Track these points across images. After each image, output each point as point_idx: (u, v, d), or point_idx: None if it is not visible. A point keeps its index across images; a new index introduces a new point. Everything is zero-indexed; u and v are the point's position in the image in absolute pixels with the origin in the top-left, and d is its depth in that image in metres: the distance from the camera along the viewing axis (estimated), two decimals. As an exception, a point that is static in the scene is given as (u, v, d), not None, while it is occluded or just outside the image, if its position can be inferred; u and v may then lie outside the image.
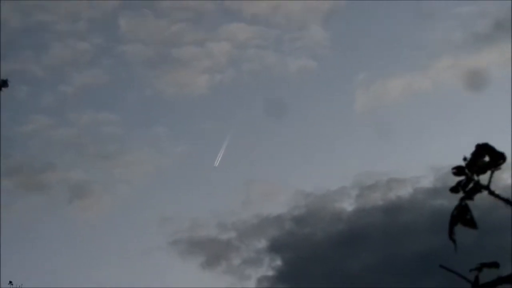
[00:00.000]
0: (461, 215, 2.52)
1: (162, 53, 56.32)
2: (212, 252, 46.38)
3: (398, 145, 57.16)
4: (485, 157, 2.52)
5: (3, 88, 3.44)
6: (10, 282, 23.81)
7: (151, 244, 55.17)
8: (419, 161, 60.30)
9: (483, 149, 2.52)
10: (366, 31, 57.07)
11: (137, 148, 56.72)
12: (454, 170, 2.54)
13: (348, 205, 56.06)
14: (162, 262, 52.22)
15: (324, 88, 58.26)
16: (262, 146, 58.20)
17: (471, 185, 2.52)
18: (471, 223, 2.52)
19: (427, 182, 56.55)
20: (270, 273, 40.27)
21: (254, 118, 58.52)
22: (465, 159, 2.52)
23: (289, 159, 58.06)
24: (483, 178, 2.53)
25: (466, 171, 2.53)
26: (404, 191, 45.69)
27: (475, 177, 2.52)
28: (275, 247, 41.96)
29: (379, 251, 38.26)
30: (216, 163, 44.38)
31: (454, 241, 2.53)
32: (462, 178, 2.53)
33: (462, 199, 2.52)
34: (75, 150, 57.38)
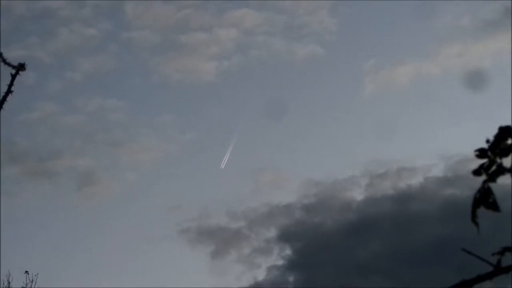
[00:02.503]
0: (484, 198, 2.52)
1: (169, 39, 56.19)
2: (221, 241, 46.46)
3: (408, 133, 56.99)
4: (508, 140, 2.51)
5: (20, 72, 3.46)
6: (26, 271, 23.99)
7: (159, 232, 55.38)
8: (430, 150, 60.13)
9: (506, 131, 2.51)
10: (374, 17, 56.88)
11: (144, 136, 56.71)
12: (477, 153, 2.53)
13: (358, 194, 56.15)
14: (171, 251, 52.36)
15: (332, 75, 58.17)
16: (271, 133, 58.19)
17: (493, 167, 2.52)
18: (493, 206, 2.52)
19: (437, 171, 56.66)
20: (280, 262, 40.37)
21: (262, 106, 58.47)
22: (487, 141, 2.52)
23: (298, 147, 58.04)
24: (506, 161, 2.52)
25: (489, 153, 2.52)
26: (415, 180, 45.74)
27: (498, 160, 2.52)
28: (284, 236, 42.06)
29: (389, 241, 38.28)
30: (223, 165, 44.36)
31: (476, 224, 2.52)
32: (484, 160, 2.53)
33: (484, 182, 2.52)
34: (82, 137, 57.39)
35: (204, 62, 55.04)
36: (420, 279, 32.17)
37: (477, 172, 2.54)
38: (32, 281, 23.68)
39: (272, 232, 48.57)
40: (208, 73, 53.46)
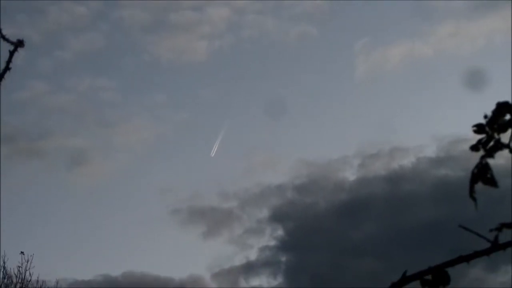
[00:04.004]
0: (482, 174, 2.55)
1: (160, 18, 56.14)
2: (213, 221, 46.68)
3: (400, 114, 57.25)
4: (505, 116, 2.54)
5: (19, 49, 3.44)
6: (22, 252, 24.00)
7: (151, 213, 55.48)
8: (422, 130, 60.31)
9: (503, 107, 2.54)
10: (367, -3, 56.68)
11: (136, 116, 56.76)
12: (475, 128, 2.56)
13: (350, 175, 56.32)
14: (162, 232, 52.62)
15: (325, 55, 58.09)
16: (263, 114, 58.21)
17: (491, 143, 2.55)
18: (491, 181, 2.55)
19: (430, 151, 56.67)
20: (272, 243, 40.55)
21: (254, 86, 58.42)
22: (485, 116, 2.54)
23: (290, 127, 58.15)
24: (504, 137, 2.55)
25: (487, 129, 2.55)
26: (407, 161, 45.89)
27: (496, 135, 2.55)
28: (276, 217, 42.21)
29: (382, 221, 38.46)
30: (213, 153, 44.37)
31: (474, 199, 2.56)
32: (482, 136, 2.56)
33: (482, 157, 2.55)
34: (73, 117, 57.39)
35: (195, 42, 54.92)
36: (413, 261, 32.31)
37: (474, 148, 2.57)
38: (28, 261, 23.81)
39: (264, 213, 48.86)
40: (199, 52, 53.38)
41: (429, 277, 2.49)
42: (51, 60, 54.03)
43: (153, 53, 55.29)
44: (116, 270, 51.93)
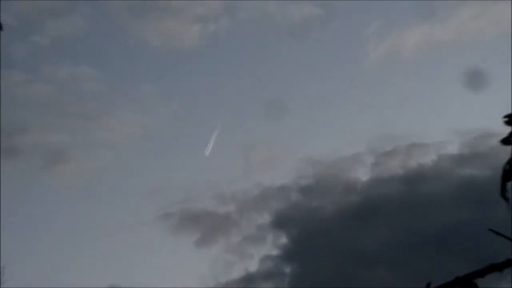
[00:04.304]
0: (514, 170, 2.52)
1: (147, 0, 55.99)
2: (208, 227, 46.62)
3: (418, 106, 57.28)
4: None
5: None
6: None
7: (138, 218, 55.41)
8: (443, 124, 60.17)
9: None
10: (380, -25, 56.65)
11: (121, 108, 56.74)
12: (506, 119, 2.54)
13: (362, 174, 56.44)
14: (151, 239, 52.49)
15: (332, 41, 58.06)
16: (263, 106, 58.15)
17: (524, 136, 2.52)
18: (525, 178, 2.52)
19: (452, 148, 56.80)
20: (275, 252, 40.56)
21: (253, 74, 58.38)
22: (518, 106, 2.52)
23: (294, 121, 58.08)
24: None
25: (519, 120, 2.52)
26: (427, 158, 45.86)
27: (529, 128, 2.52)
28: (279, 222, 42.21)
29: (398, 226, 38.45)
30: (207, 152, 44.39)
31: (507, 199, 2.53)
32: (514, 128, 2.53)
33: (515, 152, 2.52)
34: (51, 110, 57.29)
35: (187, 25, 54.88)
36: (432, 270, 32.31)
37: (506, 141, 2.54)
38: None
39: (265, 218, 48.73)
40: (192, 37, 53.33)
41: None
42: (26, 46, 53.95)
43: (140, 39, 55.21)
44: (99, 284, 51.92)
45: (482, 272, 2.49)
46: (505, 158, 2.56)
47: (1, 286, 24.25)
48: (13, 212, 49.85)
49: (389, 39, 54.26)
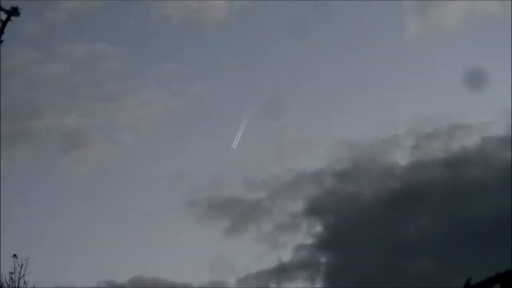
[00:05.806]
0: None
1: (169, -28, 54.91)
2: (238, 215, 45.81)
3: (461, 84, 55.71)
4: None
5: (12, 18, 2.81)
6: (15, 255, 23.46)
7: (163, 205, 54.69)
8: (488, 104, 58.72)
9: None
10: None
11: (143, 88, 55.80)
12: None
13: (401, 158, 55.35)
14: (177, 228, 51.72)
15: (368, 13, 56.79)
16: (296, 86, 56.93)
17: None
18: None
19: (498, 129, 55.56)
20: (309, 240, 39.93)
21: (285, 50, 57.08)
22: None
23: (328, 102, 56.96)
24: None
25: None
26: (470, 141, 44.81)
27: None
28: (313, 210, 41.50)
29: (440, 214, 37.49)
30: (234, 145, 43.37)
31: None
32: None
33: None
34: (67, 91, 56.39)
35: (212, -2, 53.53)
36: (477, 262, 31.30)
37: None
38: (22, 266, 23.24)
39: (298, 205, 48.04)
40: (218, 11, 52.11)
41: (498, 286, 1.70)
42: (40, 23, 53.00)
43: (161, 13, 54.13)
44: (122, 276, 51.27)
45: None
46: None
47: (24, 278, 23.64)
48: (29, 199, 49.01)
49: (430, 10, 52.84)
